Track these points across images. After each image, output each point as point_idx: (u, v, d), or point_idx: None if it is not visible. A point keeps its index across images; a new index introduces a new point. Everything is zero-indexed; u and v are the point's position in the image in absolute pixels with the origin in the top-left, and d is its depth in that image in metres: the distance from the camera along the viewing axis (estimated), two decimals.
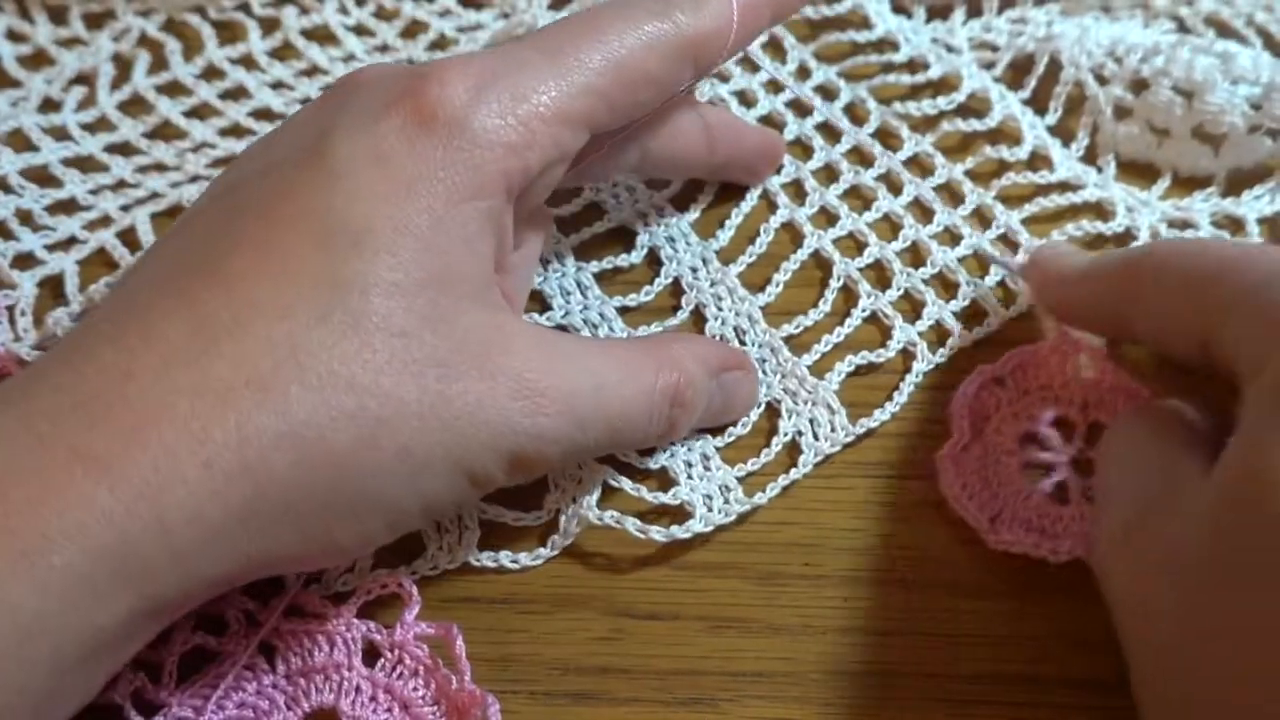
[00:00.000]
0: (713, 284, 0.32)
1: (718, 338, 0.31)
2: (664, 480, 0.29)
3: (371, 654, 0.26)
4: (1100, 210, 0.34)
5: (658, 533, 0.28)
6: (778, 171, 0.34)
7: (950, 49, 0.37)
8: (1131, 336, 0.28)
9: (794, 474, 0.29)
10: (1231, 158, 0.34)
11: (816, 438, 0.30)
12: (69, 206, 0.34)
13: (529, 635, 0.28)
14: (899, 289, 0.32)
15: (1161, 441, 0.25)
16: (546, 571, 0.29)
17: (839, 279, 0.32)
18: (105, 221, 0.34)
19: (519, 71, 0.25)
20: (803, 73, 0.37)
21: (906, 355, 0.31)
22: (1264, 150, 0.34)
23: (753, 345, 0.31)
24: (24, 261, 0.33)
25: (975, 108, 0.36)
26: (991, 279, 0.32)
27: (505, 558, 0.28)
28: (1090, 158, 0.35)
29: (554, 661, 0.27)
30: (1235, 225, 0.34)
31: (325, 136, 0.24)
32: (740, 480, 0.29)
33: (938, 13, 0.38)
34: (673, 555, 0.29)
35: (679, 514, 0.29)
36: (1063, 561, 0.27)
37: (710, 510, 0.28)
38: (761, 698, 0.27)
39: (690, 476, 0.29)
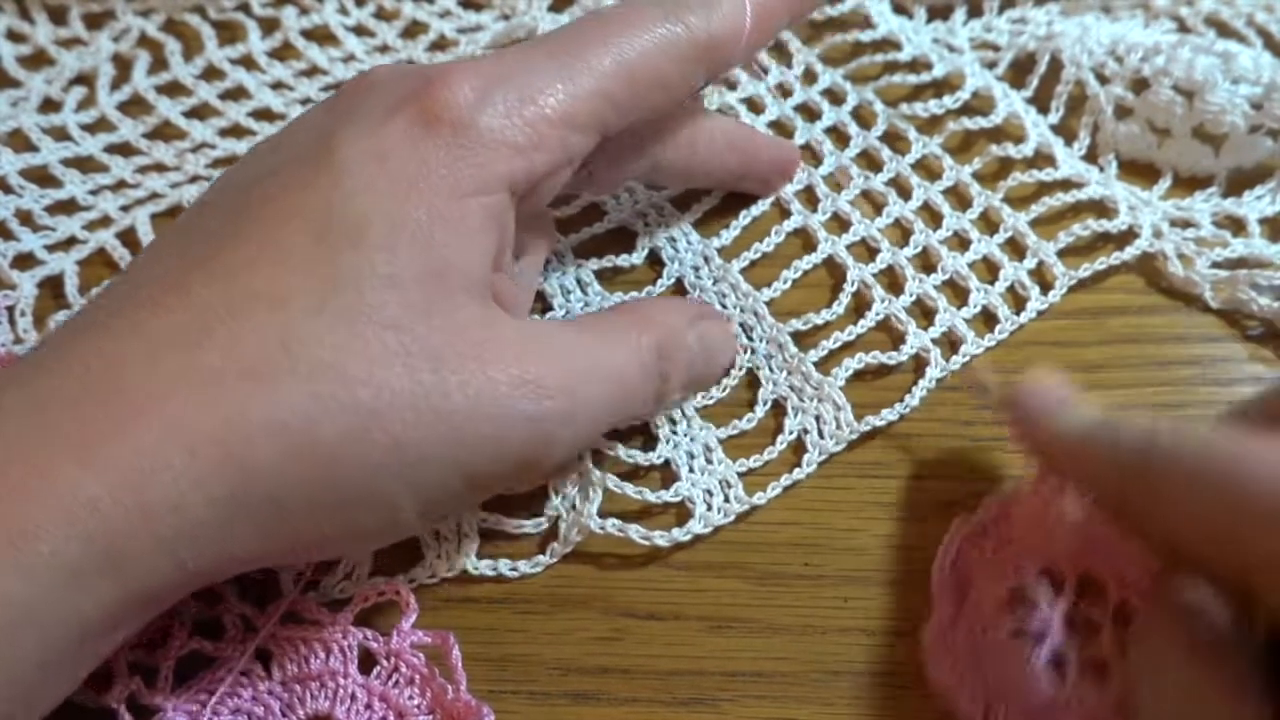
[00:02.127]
0: (715, 281, 0.32)
1: None
2: (666, 477, 0.29)
3: (368, 661, 0.26)
4: (1103, 209, 0.34)
5: (660, 537, 0.28)
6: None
7: (951, 49, 0.37)
8: (1145, 535, 0.24)
9: (797, 473, 0.29)
10: (1232, 158, 0.34)
11: (822, 435, 0.30)
12: (69, 207, 0.34)
13: (528, 635, 0.28)
14: (911, 295, 0.32)
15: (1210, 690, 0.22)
16: (546, 572, 0.28)
17: (853, 283, 0.32)
18: (105, 222, 0.34)
19: (527, 74, 0.25)
20: (809, 76, 0.37)
21: (919, 360, 0.31)
22: (1264, 150, 0.34)
23: (759, 340, 0.31)
24: (24, 262, 0.33)
25: (979, 107, 0.36)
26: (1001, 285, 0.32)
27: (504, 566, 0.28)
28: (1091, 157, 0.35)
29: (553, 662, 0.27)
30: (1237, 225, 0.34)
31: (330, 136, 0.24)
32: (741, 476, 0.29)
33: (938, 13, 0.38)
34: (673, 555, 0.28)
35: (681, 512, 0.29)
36: None
37: (710, 509, 0.28)
38: (761, 698, 0.27)
39: (692, 470, 0.29)
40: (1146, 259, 0.33)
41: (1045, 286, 0.32)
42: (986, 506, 0.28)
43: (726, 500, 0.29)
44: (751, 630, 0.27)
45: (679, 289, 0.33)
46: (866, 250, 0.33)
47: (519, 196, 0.25)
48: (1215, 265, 0.32)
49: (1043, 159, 0.34)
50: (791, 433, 0.30)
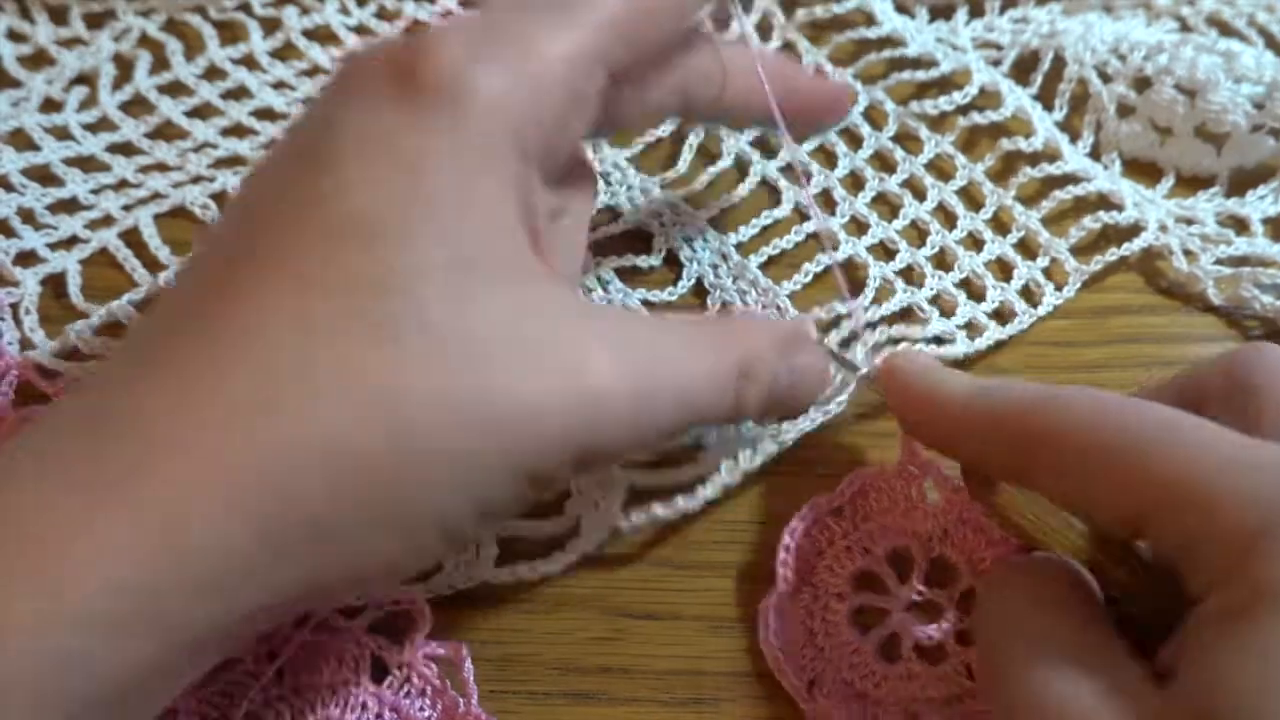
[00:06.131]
0: (735, 279, 0.32)
1: None
2: (684, 455, 0.29)
3: (379, 669, 0.26)
4: (1110, 204, 0.34)
5: (685, 500, 0.28)
6: (806, 181, 0.35)
7: (955, 48, 0.37)
8: (1029, 487, 0.24)
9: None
10: (1234, 157, 0.34)
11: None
12: (71, 206, 0.34)
13: (529, 635, 0.28)
14: (931, 290, 0.32)
15: (1071, 631, 0.22)
16: None
17: (875, 280, 0.32)
18: (107, 221, 0.34)
19: (519, 18, 0.23)
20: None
21: (940, 341, 0.31)
22: (1266, 150, 0.34)
23: None
24: (26, 259, 0.33)
25: (986, 103, 0.36)
26: (1016, 283, 0.32)
27: (524, 569, 0.28)
28: (1094, 156, 0.35)
29: (554, 661, 0.27)
30: (1239, 225, 0.34)
31: (326, 129, 0.22)
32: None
33: (940, 13, 0.38)
34: (673, 555, 0.28)
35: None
36: None
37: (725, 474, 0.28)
38: (761, 698, 0.27)
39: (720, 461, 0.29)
40: (1148, 259, 0.33)
41: (1058, 285, 0.32)
42: (848, 482, 0.28)
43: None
44: (751, 630, 0.27)
45: (699, 289, 0.32)
46: (885, 252, 0.33)
47: (536, 156, 0.23)
48: (1218, 263, 0.32)
49: (1050, 153, 0.35)
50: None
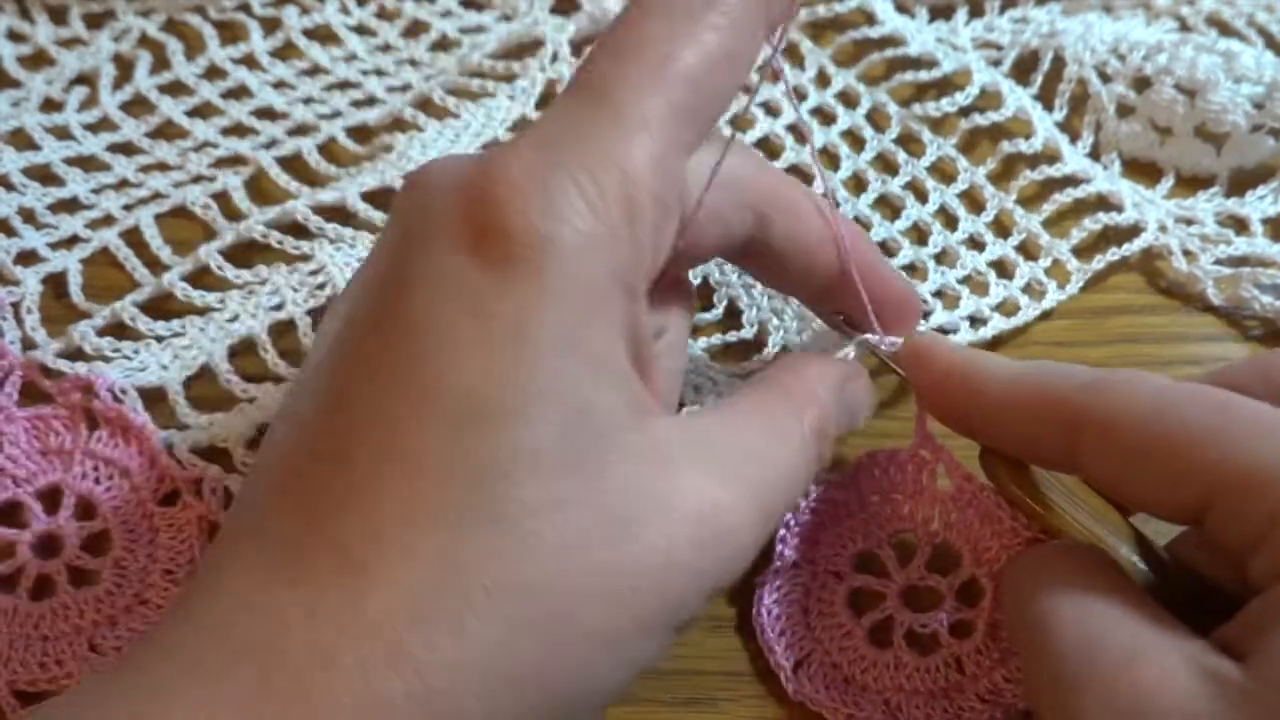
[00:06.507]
0: (739, 273, 0.32)
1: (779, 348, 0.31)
2: None
3: None
4: (1109, 204, 0.34)
5: None
6: (808, 183, 0.35)
7: (955, 48, 0.37)
8: (1074, 471, 0.24)
9: None
10: (1234, 157, 0.34)
11: None
12: (71, 205, 0.34)
13: None
14: (934, 284, 0.32)
15: (1137, 611, 0.21)
16: None
17: None
18: (108, 220, 0.34)
19: (576, 134, 0.21)
20: (823, 79, 0.37)
21: (944, 332, 0.31)
22: (1266, 150, 0.34)
23: (790, 319, 0.32)
24: (26, 259, 0.33)
25: (987, 104, 0.36)
26: (1019, 280, 0.32)
27: None
28: (1094, 156, 0.35)
29: None
30: (1239, 225, 0.34)
31: (401, 289, 0.20)
32: None
33: (940, 13, 0.38)
34: None
35: None
36: None
37: None
38: (761, 697, 0.27)
39: None
40: (1148, 259, 0.33)
41: (1060, 284, 0.33)
42: (857, 462, 0.28)
43: None
44: (751, 630, 0.27)
45: (732, 309, 0.32)
46: (886, 252, 0.33)
47: (640, 283, 0.21)
48: (1218, 263, 0.32)
49: (1050, 154, 0.35)
50: None
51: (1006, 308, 0.32)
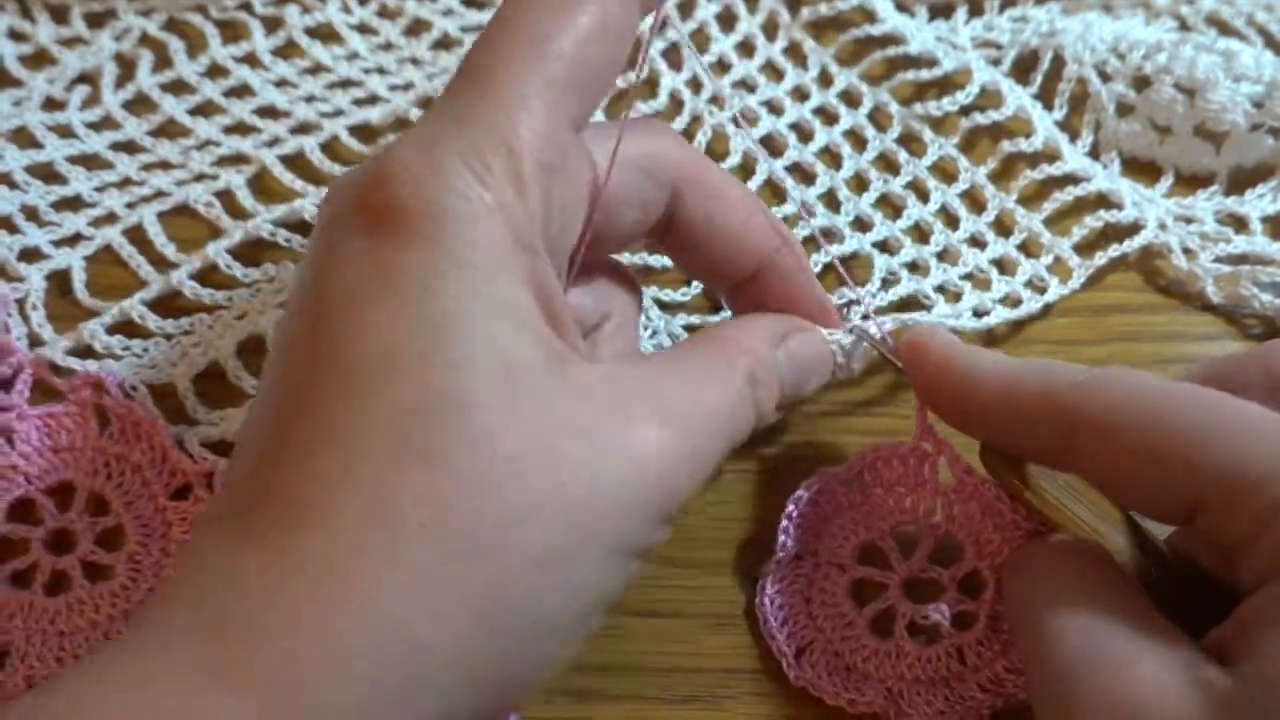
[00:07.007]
0: None
1: None
2: None
3: None
4: (1109, 203, 0.34)
5: None
6: (811, 182, 0.35)
7: (954, 47, 0.37)
8: (1068, 469, 0.24)
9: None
10: (1233, 156, 0.34)
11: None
12: (74, 203, 0.34)
13: None
14: (936, 280, 0.33)
15: (1129, 610, 0.22)
16: None
17: (881, 270, 0.33)
18: (111, 218, 0.34)
19: (459, 117, 0.22)
20: (825, 79, 0.37)
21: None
22: (1266, 149, 0.34)
23: None
24: (30, 256, 0.33)
25: (988, 103, 0.36)
26: (1022, 276, 0.33)
27: None
28: (1094, 155, 0.35)
29: None
30: (1239, 223, 0.34)
31: (317, 275, 0.22)
32: None
33: (939, 12, 0.39)
34: (675, 553, 0.29)
35: None
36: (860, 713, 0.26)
37: None
38: (761, 695, 0.27)
39: None
40: (1147, 257, 0.33)
41: (1061, 280, 0.33)
42: (859, 455, 0.28)
43: None
44: (751, 628, 0.28)
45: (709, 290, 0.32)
46: (889, 249, 0.34)
47: (534, 246, 0.22)
48: (1218, 261, 0.33)
49: (1050, 153, 0.35)
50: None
51: (1009, 300, 0.32)
